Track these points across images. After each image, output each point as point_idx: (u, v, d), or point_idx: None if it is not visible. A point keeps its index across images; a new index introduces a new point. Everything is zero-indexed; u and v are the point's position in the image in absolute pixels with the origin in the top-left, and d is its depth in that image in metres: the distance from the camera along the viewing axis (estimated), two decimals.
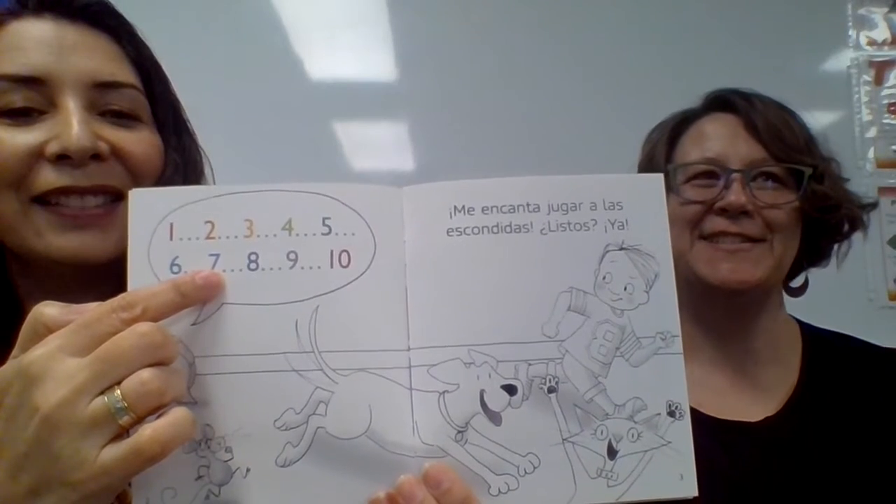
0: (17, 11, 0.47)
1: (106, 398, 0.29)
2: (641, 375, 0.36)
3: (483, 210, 0.36)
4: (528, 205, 0.36)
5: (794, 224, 0.68)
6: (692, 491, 0.35)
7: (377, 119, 1.46)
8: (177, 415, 0.30)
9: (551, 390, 0.35)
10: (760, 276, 0.66)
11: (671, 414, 0.36)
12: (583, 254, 0.36)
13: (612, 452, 0.35)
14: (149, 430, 0.29)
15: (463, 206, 0.36)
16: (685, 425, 0.35)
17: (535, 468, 0.34)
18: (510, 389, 0.35)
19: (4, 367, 0.31)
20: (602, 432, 0.35)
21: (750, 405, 0.68)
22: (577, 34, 1.47)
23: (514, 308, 0.36)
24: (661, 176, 0.37)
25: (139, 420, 0.30)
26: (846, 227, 0.72)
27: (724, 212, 0.66)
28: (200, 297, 0.33)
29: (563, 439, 0.35)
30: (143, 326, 0.30)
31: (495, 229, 0.36)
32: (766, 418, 0.67)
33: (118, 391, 0.29)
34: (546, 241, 0.36)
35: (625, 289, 0.36)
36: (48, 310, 0.31)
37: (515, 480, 0.34)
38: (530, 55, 1.46)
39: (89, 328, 0.30)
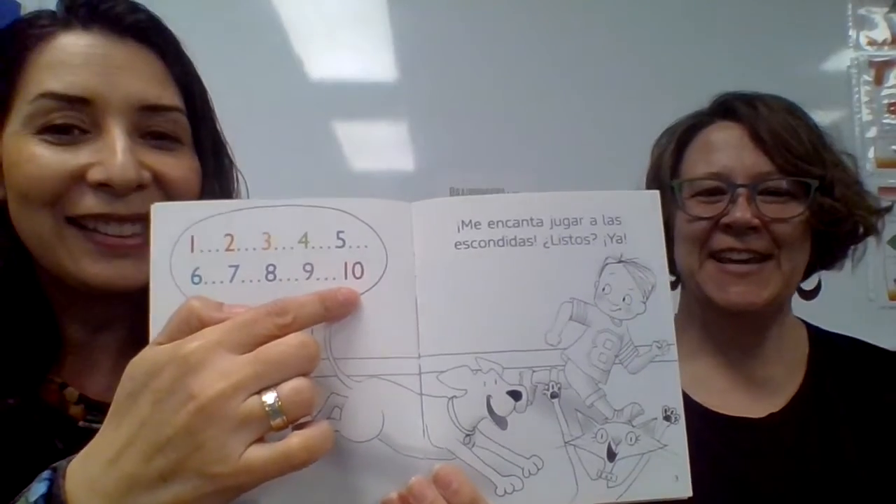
0: (67, 22, 0.46)
1: (263, 398, 0.30)
2: (639, 382, 0.37)
3: (489, 224, 0.38)
4: (531, 219, 0.38)
5: (802, 237, 0.67)
6: (687, 491, 0.37)
7: (377, 119, 1.47)
8: (324, 427, 0.31)
9: (554, 396, 0.37)
10: (768, 297, 0.66)
11: (667, 418, 0.37)
12: (583, 266, 0.38)
13: (611, 455, 0.37)
14: (298, 438, 0.30)
15: (470, 221, 0.38)
16: (680, 429, 0.37)
17: (538, 470, 0.36)
18: (515, 395, 0.37)
19: (151, 351, 0.31)
20: (602, 436, 0.37)
21: (754, 402, 0.69)
22: (577, 34, 1.47)
23: (518, 318, 0.37)
24: (657, 192, 0.39)
25: (288, 425, 0.30)
26: (860, 231, 0.70)
27: (730, 228, 0.65)
28: (341, 313, 0.34)
29: (566, 442, 0.36)
30: (305, 337, 0.31)
31: (501, 243, 0.38)
32: (771, 415, 0.67)
33: (276, 393, 0.30)
34: (549, 254, 0.38)
35: (623, 300, 0.38)
36: (202, 304, 0.32)
37: (520, 481, 0.36)
38: (530, 55, 1.46)
39: (247, 328, 0.31)
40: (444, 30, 1.46)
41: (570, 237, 0.38)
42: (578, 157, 1.39)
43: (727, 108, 0.71)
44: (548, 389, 0.37)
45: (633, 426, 0.37)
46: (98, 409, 0.46)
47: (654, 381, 0.37)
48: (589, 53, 1.46)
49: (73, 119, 0.44)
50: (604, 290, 0.38)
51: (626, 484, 0.37)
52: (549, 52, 1.46)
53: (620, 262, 0.38)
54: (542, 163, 1.41)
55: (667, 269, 0.39)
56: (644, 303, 0.38)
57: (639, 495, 0.36)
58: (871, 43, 1.55)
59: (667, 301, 0.38)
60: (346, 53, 1.45)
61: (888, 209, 0.73)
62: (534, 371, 0.37)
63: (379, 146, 1.46)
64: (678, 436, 0.37)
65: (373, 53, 1.47)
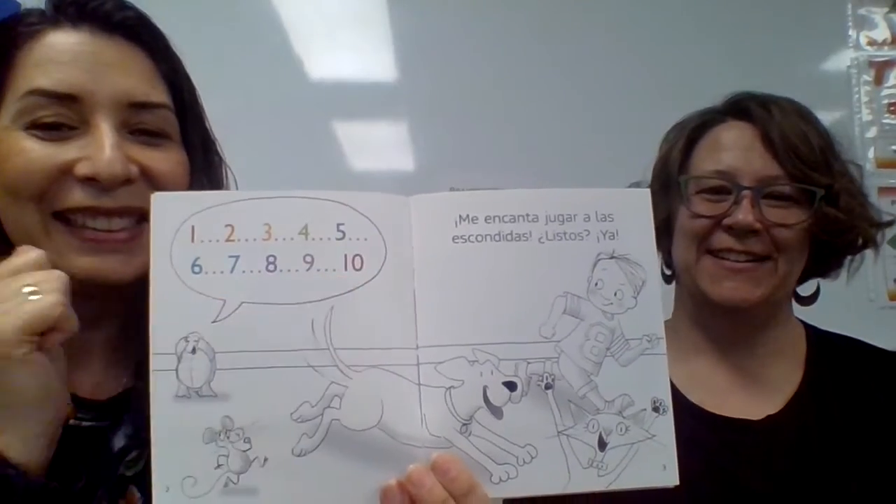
0: (55, 20, 0.47)
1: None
2: (629, 374, 0.38)
3: (486, 219, 0.39)
4: (527, 215, 0.39)
5: (801, 243, 0.67)
6: (674, 480, 0.38)
7: (377, 119, 1.47)
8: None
9: (548, 387, 0.38)
10: (761, 295, 0.66)
11: (656, 410, 0.38)
12: (577, 261, 0.39)
13: (602, 444, 0.38)
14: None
15: (468, 216, 0.39)
16: (668, 420, 0.38)
17: (532, 458, 0.37)
18: (510, 386, 0.38)
19: None
20: (593, 426, 0.38)
21: (752, 403, 0.69)
22: (576, 35, 1.47)
23: (514, 310, 0.38)
24: (648, 191, 0.40)
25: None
26: (859, 242, 0.70)
27: (732, 229, 0.65)
28: None
29: (559, 432, 0.38)
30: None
31: (497, 237, 0.39)
32: (769, 416, 0.67)
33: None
34: (544, 249, 0.39)
35: (615, 294, 0.39)
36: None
37: (515, 469, 0.37)
38: (530, 55, 1.46)
39: None
40: (444, 30, 1.46)
41: (565, 233, 0.39)
42: (578, 157, 1.39)
43: (740, 107, 0.71)
44: (542, 381, 0.38)
45: (623, 417, 0.38)
46: (88, 407, 0.46)
47: (644, 373, 0.38)
48: (589, 53, 1.45)
49: (61, 116, 0.44)
50: (596, 284, 0.39)
51: (616, 472, 0.38)
52: (549, 52, 1.46)
53: (612, 257, 0.39)
54: (541, 163, 1.41)
55: (657, 266, 0.40)
56: (635, 298, 0.39)
57: (628, 483, 0.37)
58: (871, 43, 1.54)
59: (657, 296, 0.40)
60: (346, 53, 1.45)
61: (889, 223, 0.73)
62: (529, 363, 0.38)
63: (379, 146, 1.46)
64: (666, 426, 0.38)
65: (373, 53, 1.47)
